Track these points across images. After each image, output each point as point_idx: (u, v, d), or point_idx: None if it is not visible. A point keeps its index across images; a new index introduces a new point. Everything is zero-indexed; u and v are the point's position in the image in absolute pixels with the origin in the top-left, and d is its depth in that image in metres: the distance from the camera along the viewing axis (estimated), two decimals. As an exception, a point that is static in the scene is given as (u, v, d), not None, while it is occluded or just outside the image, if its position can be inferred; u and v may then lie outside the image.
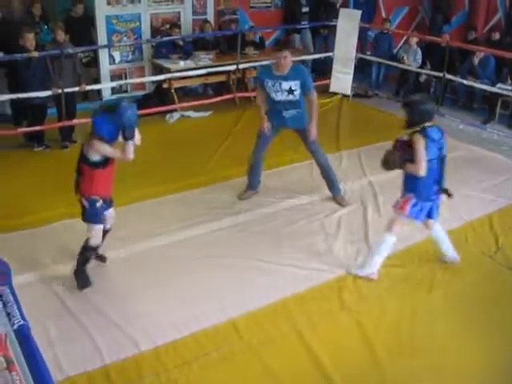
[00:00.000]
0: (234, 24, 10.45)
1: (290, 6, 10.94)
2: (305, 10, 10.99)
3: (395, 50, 10.79)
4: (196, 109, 8.97)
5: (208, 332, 4.19)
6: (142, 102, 8.95)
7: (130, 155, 4.36)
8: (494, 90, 8.83)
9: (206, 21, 9.90)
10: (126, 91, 9.62)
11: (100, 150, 4.32)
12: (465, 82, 9.13)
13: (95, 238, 4.59)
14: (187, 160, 7.17)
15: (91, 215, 4.52)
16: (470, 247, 5.45)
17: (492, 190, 6.62)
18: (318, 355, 4.00)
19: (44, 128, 7.53)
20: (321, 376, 3.84)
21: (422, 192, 4.63)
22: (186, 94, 9.75)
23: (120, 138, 4.31)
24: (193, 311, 4.40)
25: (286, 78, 5.65)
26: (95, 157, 4.35)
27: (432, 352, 4.11)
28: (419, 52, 9.98)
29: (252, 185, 6.24)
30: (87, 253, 4.63)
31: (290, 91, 5.68)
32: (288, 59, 5.64)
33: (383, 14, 11.77)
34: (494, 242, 5.54)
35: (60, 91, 7.38)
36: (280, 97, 5.70)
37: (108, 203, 4.66)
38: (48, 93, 7.36)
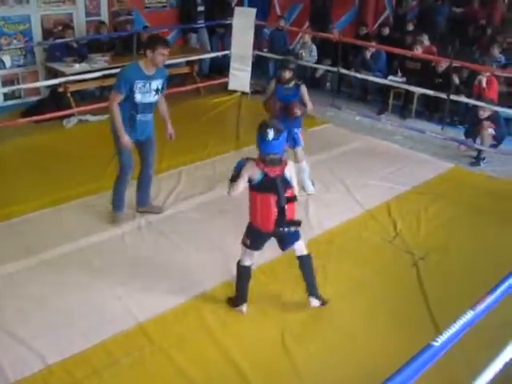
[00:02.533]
0: (129, 25, 10.28)
1: (185, 5, 10.90)
2: (200, 8, 10.98)
3: (291, 47, 11.04)
4: (94, 112, 8.73)
5: (117, 338, 4.10)
6: (37, 108, 8.64)
7: None
8: (386, 82, 9.22)
9: (101, 22, 9.70)
10: (19, 97, 9.23)
11: None
12: (358, 75, 9.48)
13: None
14: (87, 165, 6.97)
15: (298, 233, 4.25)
16: (371, 235, 5.66)
17: (389, 178, 6.92)
18: (230, 352, 4.01)
19: None
20: (234, 372, 3.85)
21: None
22: (83, 97, 9.47)
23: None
24: (100, 318, 4.30)
25: (154, 77, 5.19)
26: None
27: (340, 337, 4.25)
28: (314, 48, 10.28)
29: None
30: None
31: (157, 91, 5.26)
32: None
33: (278, 12, 11.99)
34: (392, 228, 5.78)
35: None
36: (147, 99, 5.20)
37: None
38: None
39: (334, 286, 4.85)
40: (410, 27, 10.86)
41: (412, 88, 8.84)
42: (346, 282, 4.91)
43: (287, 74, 5.88)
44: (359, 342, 4.21)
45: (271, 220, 4.04)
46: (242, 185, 4.05)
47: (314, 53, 10.27)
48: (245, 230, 4.22)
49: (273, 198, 3.99)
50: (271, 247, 4.32)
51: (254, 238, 4.19)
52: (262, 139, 3.95)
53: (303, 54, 10.21)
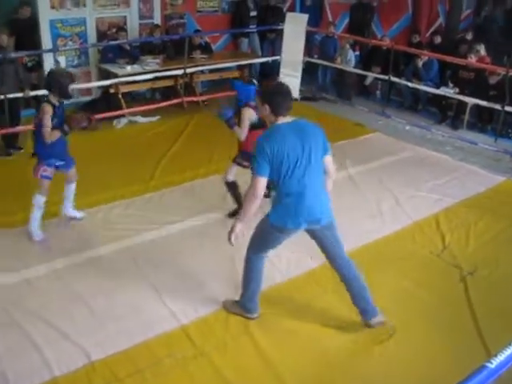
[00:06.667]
0: (181, 28, 10.41)
1: (238, 9, 10.95)
2: (253, 13, 11.04)
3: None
4: (144, 114, 8.88)
5: (160, 339, 4.13)
6: (89, 108, 8.80)
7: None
8: (438, 91, 9.06)
9: (156, 25, 9.83)
10: (72, 97, 9.41)
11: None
12: (409, 84, 9.34)
13: None
14: (134, 166, 7.09)
15: None
16: (418, 247, 5.55)
17: (438, 190, 6.78)
18: (271, 360, 3.98)
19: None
20: (274, 380, 3.82)
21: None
22: (134, 98, 9.65)
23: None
24: (144, 319, 4.34)
25: None
26: None
27: (381, 351, 4.15)
28: (351, 53, 10.20)
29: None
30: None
31: None
32: None
33: (329, 18, 11.93)
34: (440, 241, 5.65)
35: (2, 97, 7.18)
36: None
37: None
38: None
39: (378, 297, 4.76)
40: (469, 36, 10.61)
41: (465, 98, 8.65)
42: (391, 295, 4.81)
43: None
44: (401, 357, 4.11)
45: None
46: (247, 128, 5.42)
47: (350, 58, 10.18)
48: (240, 158, 5.58)
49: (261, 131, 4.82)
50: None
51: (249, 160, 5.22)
52: (249, 89, 5.50)
53: (337, 60, 10.18)
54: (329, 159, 4.01)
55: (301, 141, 3.82)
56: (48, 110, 4.96)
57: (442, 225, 5.96)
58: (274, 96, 3.88)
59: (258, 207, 3.89)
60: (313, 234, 4.08)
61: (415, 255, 5.41)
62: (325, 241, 4.11)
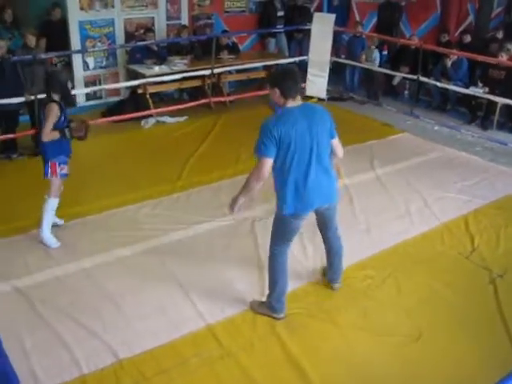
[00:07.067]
0: (208, 29, 10.44)
1: (265, 9, 10.96)
2: (280, 13, 11.03)
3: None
4: (171, 114, 8.93)
5: (187, 339, 4.14)
6: (117, 108, 8.90)
7: None
8: (467, 91, 8.94)
9: (183, 26, 9.88)
10: (100, 97, 9.54)
11: None
12: (438, 84, 9.23)
13: None
14: (163, 165, 7.13)
15: None
16: (447, 248, 5.48)
17: (467, 191, 6.68)
18: (298, 359, 3.97)
19: (19, 135, 7.43)
20: (301, 380, 3.80)
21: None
22: (162, 99, 9.71)
23: None
24: (170, 318, 4.36)
25: None
26: None
27: (408, 353, 4.11)
28: (376, 53, 10.15)
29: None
30: None
31: None
32: None
33: (357, 18, 11.87)
34: (469, 243, 5.57)
35: (33, 97, 7.28)
36: None
37: None
38: (20, 99, 7.26)
39: (406, 298, 4.73)
40: (500, 35, 10.45)
41: (496, 98, 8.52)
42: (419, 296, 4.77)
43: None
44: (428, 358, 4.06)
45: None
46: None
47: (375, 57, 10.12)
48: None
49: None
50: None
51: None
52: None
53: (361, 58, 10.16)
54: (336, 142, 4.12)
55: (309, 124, 3.87)
56: (54, 108, 4.96)
57: (471, 226, 5.87)
58: (284, 79, 3.90)
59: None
60: (316, 210, 4.21)
61: (444, 256, 5.34)
62: (324, 218, 4.33)
